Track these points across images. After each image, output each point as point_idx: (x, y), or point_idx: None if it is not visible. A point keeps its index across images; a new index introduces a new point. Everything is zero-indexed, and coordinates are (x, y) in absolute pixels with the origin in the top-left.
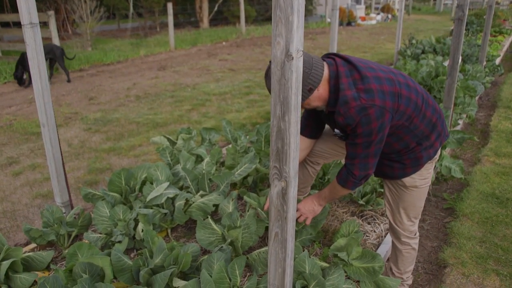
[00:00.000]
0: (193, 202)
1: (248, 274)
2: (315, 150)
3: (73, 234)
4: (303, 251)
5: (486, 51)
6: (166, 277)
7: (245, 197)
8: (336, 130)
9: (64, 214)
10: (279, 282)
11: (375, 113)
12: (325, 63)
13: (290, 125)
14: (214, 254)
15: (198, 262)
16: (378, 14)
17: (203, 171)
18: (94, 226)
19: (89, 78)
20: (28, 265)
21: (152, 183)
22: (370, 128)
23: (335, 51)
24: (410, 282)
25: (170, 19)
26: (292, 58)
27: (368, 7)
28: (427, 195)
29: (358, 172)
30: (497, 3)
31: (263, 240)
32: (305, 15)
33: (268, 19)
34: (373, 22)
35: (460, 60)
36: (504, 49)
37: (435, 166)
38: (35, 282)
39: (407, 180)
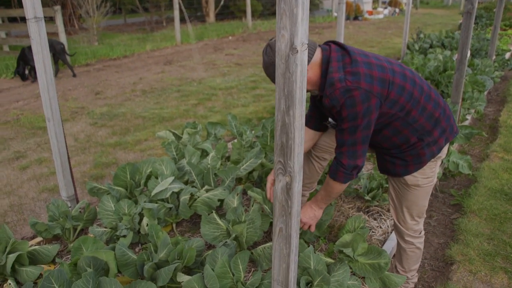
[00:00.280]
0: (198, 197)
1: (253, 269)
2: (320, 144)
3: (79, 228)
4: (308, 246)
5: (496, 45)
6: (170, 271)
7: (249, 192)
8: (330, 120)
9: (69, 208)
10: (283, 277)
11: (360, 96)
12: (319, 48)
13: (295, 120)
14: (218, 249)
15: (202, 257)
16: (386, 8)
17: (208, 166)
18: (100, 220)
19: (96, 73)
20: (34, 259)
21: (157, 178)
22: (355, 111)
23: None
24: (415, 280)
25: (176, 13)
26: (297, 51)
27: (375, 1)
28: (434, 191)
29: (347, 161)
30: None
31: (268, 235)
32: (312, 9)
33: (275, 13)
34: (381, 16)
35: (468, 55)
36: None
37: (442, 162)
38: (40, 275)
39: (409, 179)
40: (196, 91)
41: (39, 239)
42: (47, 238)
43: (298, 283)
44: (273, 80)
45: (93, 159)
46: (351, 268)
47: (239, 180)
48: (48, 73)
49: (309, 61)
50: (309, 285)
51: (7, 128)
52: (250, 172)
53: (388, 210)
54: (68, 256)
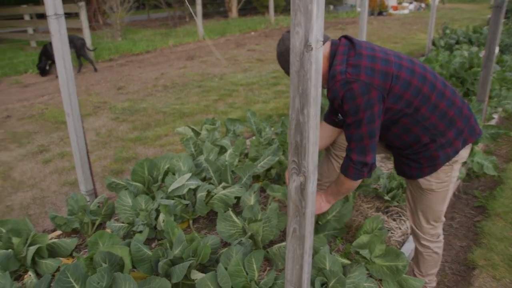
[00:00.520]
0: (215, 194)
1: (268, 268)
2: (339, 143)
3: (97, 222)
4: (326, 243)
5: None
6: (184, 269)
7: (268, 191)
8: (339, 115)
9: (88, 203)
10: (296, 279)
11: (359, 88)
12: (329, 42)
13: (309, 119)
14: (233, 248)
15: (218, 254)
16: (411, 3)
17: (226, 163)
18: (117, 215)
19: (118, 68)
20: (53, 251)
21: (174, 174)
22: (356, 104)
23: None
24: (433, 284)
25: (199, 8)
26: (312, 49)
27: None
28: (457, 192)
29: (356, 157)
30: None
31: (285, 234)
32: (335, 5)
33: None
34: (406, 11)
35: (497, 51)
36: None
37: (465, 163)
38: (59, 268)
39: (423, 182)
40: (217, 86)
41: (59, 232)
42: (66, 232)
43: (312, 284)
44: (285, 71)
45: (113, 154)
46: (367, 270)
47: (256, 178)
48: (68, 69)
49: None
50: (324, 286)
51: (32, 122)
52: (268, 170)
53: None
54: (86, 250)
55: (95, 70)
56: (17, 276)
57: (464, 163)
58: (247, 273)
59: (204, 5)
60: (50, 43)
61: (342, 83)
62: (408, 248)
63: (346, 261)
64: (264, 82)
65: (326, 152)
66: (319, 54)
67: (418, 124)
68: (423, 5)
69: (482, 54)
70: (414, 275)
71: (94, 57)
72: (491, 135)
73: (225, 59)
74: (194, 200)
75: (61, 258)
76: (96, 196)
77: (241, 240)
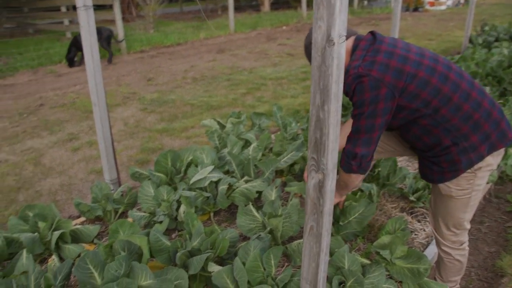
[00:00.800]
0: (237, 187)
1: (286, 264)
2: None
3: (120, 211)
4: (345, 244)
5: None
6: (202, 261)
7: (286, 188)
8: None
9: (112, 191)
10: (312, 277)
11: (369, 83)
12: (353, 37)
13: (330, 115)
14: (251, 242)
15: (236, 248)
16: None
17: (249, 157)
18: (140, 205)
19: (149, 60)
20: (76, 237)
21: (197, 166)
22: (363, 98)
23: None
24: None
25: (231, 2)
26: (334, 44)
27: None
28: (487, 195)
29: (349, 147)
30: None
31: None
32: (369, 0)
33: None
34: (443, 7)
35: None
36: None
37: (499, 166)
38: (81, 254)
39: (442, 188)
40: (246, 80)
41: (83, 219)
42: (90, 219)
43: (330, 282)
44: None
45: (140, 144)
46: (388, 271)
47: (280, 173)
48: (96, 59)
49: None
50: (341, 286)
51: (63, 111)
52: (292, 165)
53: None
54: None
55: (109, 61)
56: (42, 259)
57: (497, 168)
58: (264, 269)
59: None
60: (80, 34)
61: (354, 77)
62: (432, 251)
63: (366, 261)
64: (294, 76)
65: None
66: (341, 50)
67: (438, 126)
68: (462, 0)
69: None
70: (435, 279)
71: (126, 48)
72: None
73: (255, 53)
74: (215, 193)
75: (83, 244)
76: (120, 185)
77: (260, 235)
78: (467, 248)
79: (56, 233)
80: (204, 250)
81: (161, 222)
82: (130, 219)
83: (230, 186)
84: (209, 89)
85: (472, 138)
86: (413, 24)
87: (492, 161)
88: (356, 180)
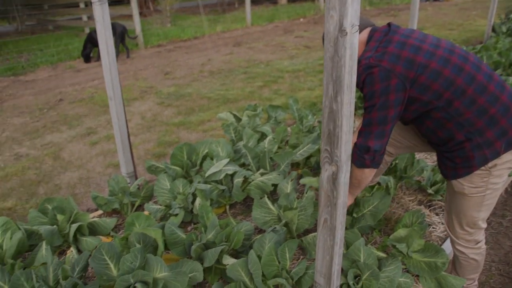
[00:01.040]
0: (252, 180)
1: (301, 257)
2: None
3: (136, 204)
4: (361, 237)
5: None
6: (216, 253)
7: (301, 180)
8: None
9: (128, 184)
10: (326, 269)
11: (379, 74)
12: (368, 28)
13: (343, 106)
14: (266, 235)
15: (252, 240)
16: None
17: (265, 149)
18: (156, 198)
19: (166, 54)
20: (93, 229)
21: (212, 159)
22: (373, 90)
23: (414, 28)
24: None
25: None
26: (346, 34)
27: None
28: (509, 188)
29: (360, 140)
30: None
31: None
32: None
33: None
34: None
35: None
36: None
37: None
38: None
39: (455, 184)
40: (262, 73)
41: (100, 212)
42: (107, 212)
43: (345, 275)
44: None
45: (157, 138)
46: (404, 264)
47: (296, 165)
48: (111, 54)
49: None
50: (357, 279)
51: (82, 105)
52: (308, 158)
53: None
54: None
55: (128, 57)
56: (61, 251)
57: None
58: (279, 262)
59: None
60: (95, 30)
61: (364, 67)
62: (450, 244)
63: (382, 254)
64: (311, 69)
65: None
66: (354, 40)
67: (452, 120)
68: None
69: None
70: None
71: (143, 43)
72: None
73: (272, 45)
74: (231, 186)
75: (100, 237)
76: (136, 178)
77: (275, 228)
78: (484, 247)
79: (74, 226)
80: (219, 243)
81: (176, 215)
82: (146, 212)
83: (245, 179)
84: (226, 82)
85: (487, 134)
86: (433, 14)
87: (511, 158)
88: (370, 175)
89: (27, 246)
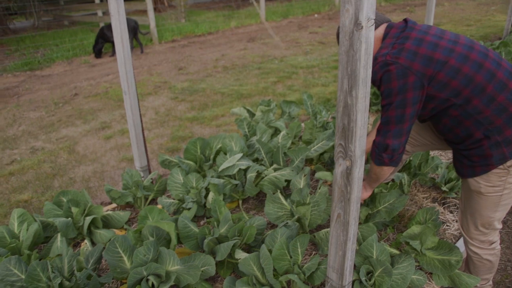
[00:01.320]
0: (265, 176)
1: (314, 252)
2: None
3: (150, 198)
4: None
5: None
6: (229, 247)
7: (316, 174)
8: None
9: (142, 178)
10: (339, 265)
11: (396, 71)
12: (384, 24)
13: (358, 101)
14: (278, 230)
15: (264, 235)
16: None
17: (278, 145)
18: (169, 192)
19: (180, 49)
20: (107, 222)
21: (225, 154)
22: (390, 87)
23: (431, 24)
24: None
25: None
26: (362, 28)
27: None
28: None
29: (378, 139)
30: None
31: None
32: None
33: None
34: None
35: None
36: None
37: None
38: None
39: (471, 183)
40: (276, 69)
41: (114, 205)
42: (121, 205)
43: (357, 271)
44: None
45: (170, 132)
46: (417, 262)
47: (310, 161)
48: (126, 48)
49: None
50: (369, 275)
51: (96, 100)
52: (322, 154)
53: None
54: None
55: (142, 52)
56: (76, 243)
57: None
58: (290, 257)
59: None
60: (106, 26)
61: (381, 65)
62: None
63: (395, 251)
64: (325, 65)
65: None
66: (370, 34)
67: (470, 117)
68: None
69: None
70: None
71: (158, 38)
72: None
73: (286, 41)
74: (244, 181)
75: (114, 230)
76: (150, 172)
77: (287, 223)
78: (498, 247)
79: (88, 219)
80: (232, 237)
81: (189, 209)
82: (159, 206)
83: (258, 174)
84: (240, 78)
85: (506, 132)
86: (450, 9)
87: None
88: (388, 172)
89: (43, 238)
